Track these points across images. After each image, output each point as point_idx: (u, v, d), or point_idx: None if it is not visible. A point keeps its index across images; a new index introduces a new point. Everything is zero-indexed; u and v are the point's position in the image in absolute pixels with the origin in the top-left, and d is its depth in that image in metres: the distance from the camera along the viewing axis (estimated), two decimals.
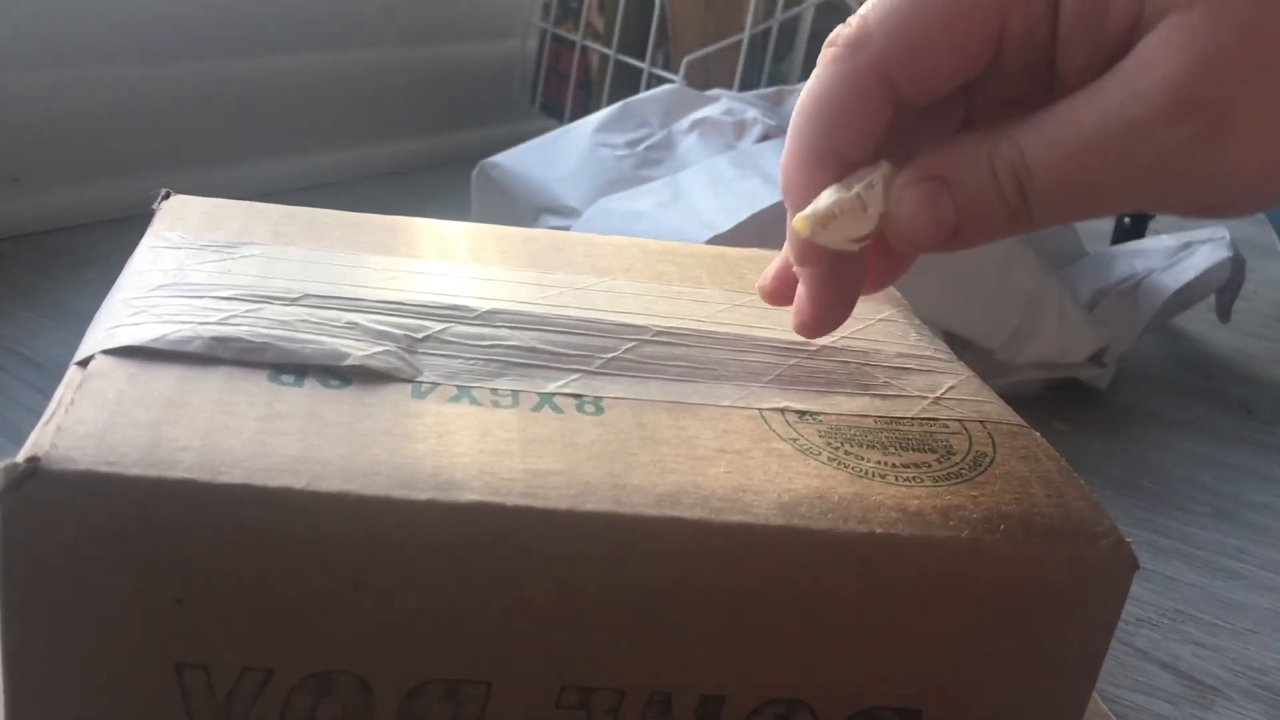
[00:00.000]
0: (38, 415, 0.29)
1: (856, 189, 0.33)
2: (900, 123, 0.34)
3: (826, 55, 0.33)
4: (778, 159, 0.90)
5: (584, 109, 1.20)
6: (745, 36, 1.09)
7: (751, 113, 0.94)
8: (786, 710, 0.32)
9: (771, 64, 1.17)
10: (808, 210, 0.34)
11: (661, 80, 1.11)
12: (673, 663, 0.31)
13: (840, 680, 0.32)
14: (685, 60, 1.08)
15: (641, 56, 1.15)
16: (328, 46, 1.19)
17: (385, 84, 1.25)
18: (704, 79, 1.13)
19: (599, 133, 0.92)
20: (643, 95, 0.97)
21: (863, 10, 0.33)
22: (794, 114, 0.34)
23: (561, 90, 1.26)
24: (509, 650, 0.30)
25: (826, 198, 0.33)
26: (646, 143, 0.92)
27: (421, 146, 1.28)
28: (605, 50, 1.18)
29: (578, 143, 0.92)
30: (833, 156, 0.34)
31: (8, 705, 0.29)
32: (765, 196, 0.83)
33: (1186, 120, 0.29)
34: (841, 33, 0.33)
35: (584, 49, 1.23)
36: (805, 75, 1.16)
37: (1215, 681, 0.61)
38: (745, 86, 1.11)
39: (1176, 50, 0.29)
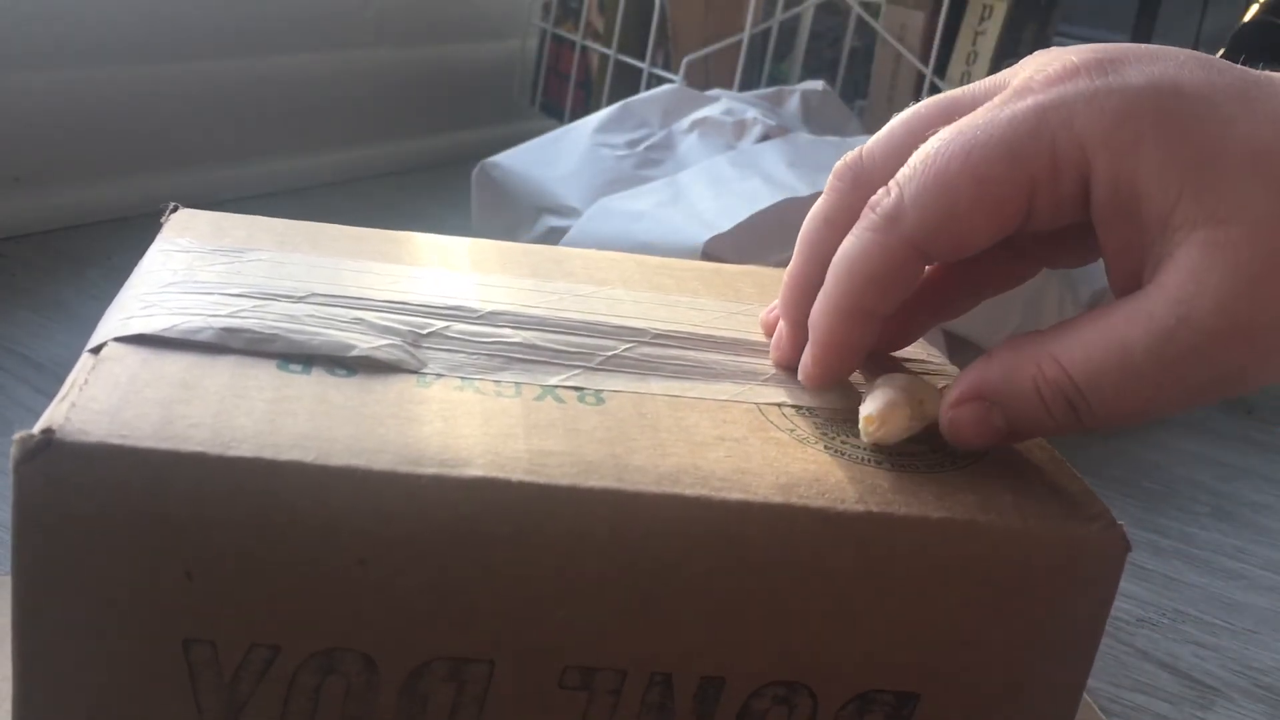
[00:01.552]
0: (38, 415, 0.29)
1: (912, 411, 0.35)
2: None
3: (864, 221, 0.35)
4: (778, 159, 0.90)
5: (584, 109, 1.21)
6: (745, 36, 1.09)
7: (751, 113, 0.94)
8: (787, 693, 0.33)
9: (771, 64, 1.17)
10: (865, 412, 0.35)
11: (661, 80, 1.11)
12: (673, 643, 0.32)
13: (839, 662, 0.33)
14: (685, 60, 1.09)
15: (641, 56, 1.15)
16: (328, 46, 1.19)
17: (385, 84, 1.25)
18: (704, 79, 1.13)
19: (599, 133, 0.92)
20: (643, 95, 0.97)
21: (900, 179, 0.34)
22: (830, 268, 0.36)
23: (561, 90, 1.27)
24: (512, 629, 0.31)
25: (886, 407, 0.35)
26: (646, 143, 0.92)
27: (421, 146, 1.29)
28: (605, 50, 1.19)
29: (578, 143, 0.92)
30: (862, 313, 0.36)
31: (18, 674, 0.30)
32: (765, 196, 0.83)
33: (1239, 345, 0.31)
34: (880, 200, 0.35)
35: (584, 49, 1.23)
36: (805, 75, 1.16)
37: (1215, 681, 0.62)
38: (745, 86, 1.11)
39: (1222, 273, 0.30)
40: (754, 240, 0.80)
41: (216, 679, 0.30)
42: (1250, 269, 0.30)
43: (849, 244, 0.35)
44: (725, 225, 0.82)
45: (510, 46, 1.34)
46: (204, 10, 1.07)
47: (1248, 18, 1.15)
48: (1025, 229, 0.34)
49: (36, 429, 0.28)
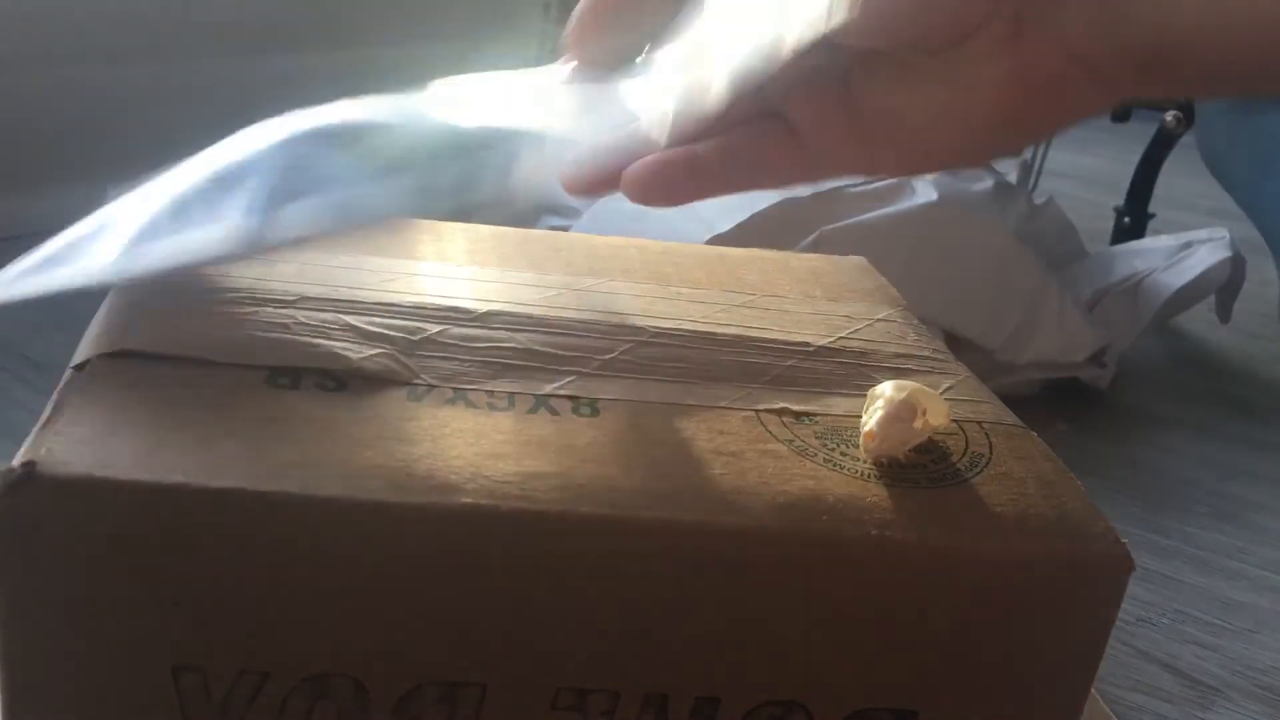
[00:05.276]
0: (38, 415, 0.29)
1: (914, 422, 0.35)
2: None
3: None
4: None
5: None
6: None
7: None
8: (783, 712, 0.32)
9: None
10: (866, 427, 0.35)
11: None
12: (668, 665, 0.31)
13: (836, 682, 0.32)
14: None
15: None
16: (328, 46, 1.19)
17: (385, 84, 1.25)
18: None
19: None
20: None
21: None
22: None
23: None
24: (504, 652, 0.30)
25: (886, 422, 0.34)
26: None
27: None
28: None
29: None
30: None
31: (6, 708, 0.29)
32: (765, 196, 0.83)
33: None
34: None
35: None
36: None
37: (1215, 681, 0.62)
38: None
39: None
40: (754, 240, 0.80)
41: (206, 705, 0.30)
42: None
43: None
44: (725, 225, 0.82)
45: (510, 47, 1.34)
46: (205, 10, 1.07)
47: None
48: None
49: (17, 461, 0.28)
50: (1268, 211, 1.04)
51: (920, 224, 0.88)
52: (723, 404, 0.36)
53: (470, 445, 0.31)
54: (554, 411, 0.34)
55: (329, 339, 0.35)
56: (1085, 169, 1.77)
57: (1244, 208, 1.09)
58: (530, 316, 0.39)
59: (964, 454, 0.35)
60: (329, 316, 0.36)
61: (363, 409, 0.32)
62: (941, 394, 0.38)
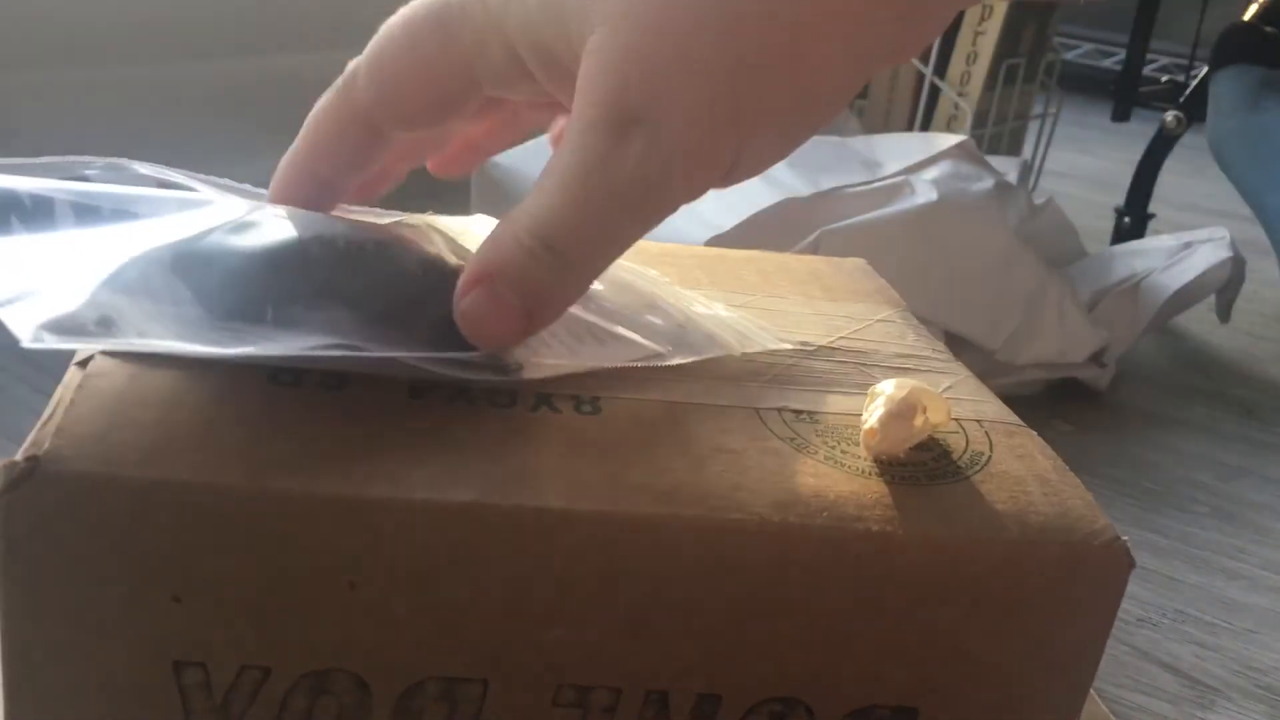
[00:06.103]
0: (37, 415, 0.29)
1: (914, 420, 0.35)
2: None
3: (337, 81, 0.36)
4: None
5: None
6: None
7: None
8: (783, 709, 0.32)
9: None
10: (866, 424, 0.35)
11: None
12: (669, 661, 0.31)
13: (836, 678, 0.32)
14: None
15: None
16: (328, 46, 1.19)
17: None
18: None
19: None
20: None
21: (369, 48, 0.35)
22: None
23: None
24: (505, 649, 0.30)
25: (887, 419, 0.34)
26: None
27: None
28: None
29: None
30: (310, 175, 0.37)
31: (7, 704, 0.29)
32: (765, 196, 0.83)
33: (629, 137, 0.31)
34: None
35: None
36: None
37: (1215, 681, 0.62)
38: None
39: (601, 72, 0.31)
40: (754, 240, 0.80)
41: (208, 701, 0.30)
42: (623, 60, 0.30)
43: (319, 102, 0.37)
44: (726, 225, 0.82)
45: None
46: (204, 10, 1.07)
47: (1246, 19, 1.15)
48: (485, 95, 0.35)
49: (20, 455, 0.28)
50: (1273, 210, 1.04)
51: (920, 224, 0.88)
52: (724, 402, 0.36)
53: (472, 443, 0.32)
54: (555, 409, 0.34)
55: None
56: (1085, 169, 1.77)
57: (1251, 207, 1.10)
58: None
59: (964, 452, 0.36)
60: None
61: (364, 406, 0.32)
62: (941, 393, 0.38)
